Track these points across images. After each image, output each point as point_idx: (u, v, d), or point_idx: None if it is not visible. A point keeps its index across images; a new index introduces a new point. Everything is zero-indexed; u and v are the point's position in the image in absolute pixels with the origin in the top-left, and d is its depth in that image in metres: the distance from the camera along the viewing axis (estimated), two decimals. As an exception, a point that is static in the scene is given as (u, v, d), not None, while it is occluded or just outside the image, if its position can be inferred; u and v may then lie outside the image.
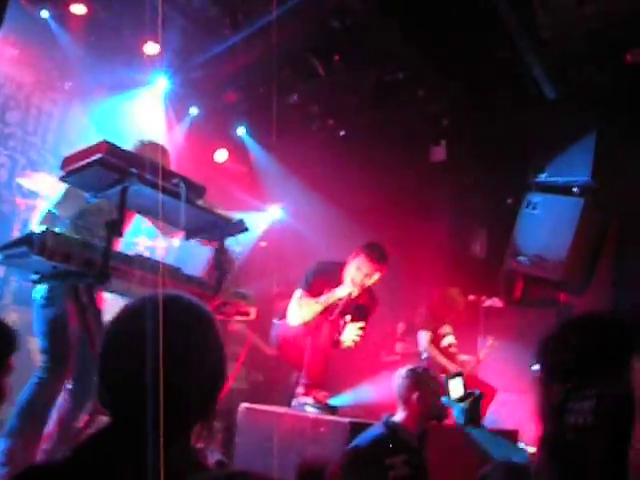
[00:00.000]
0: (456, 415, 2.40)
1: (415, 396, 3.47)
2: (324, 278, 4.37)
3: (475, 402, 2.42)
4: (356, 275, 4.24)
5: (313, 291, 4.31)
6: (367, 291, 4.43)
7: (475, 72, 6.47)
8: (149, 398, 1.16)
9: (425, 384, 3.54)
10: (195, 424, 1.34)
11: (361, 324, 4.34)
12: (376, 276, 4.33)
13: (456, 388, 2.55)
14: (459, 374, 2.58)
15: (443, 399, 2.57)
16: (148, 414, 1.15)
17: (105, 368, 1.32)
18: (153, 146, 3.95)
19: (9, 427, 3.64)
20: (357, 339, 4.27)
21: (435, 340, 6.20)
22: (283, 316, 4.51)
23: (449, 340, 6.22)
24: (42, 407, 3.68)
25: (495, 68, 6.36)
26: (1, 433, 3.66)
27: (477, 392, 2.45)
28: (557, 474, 1.20)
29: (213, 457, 3.64)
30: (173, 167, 3.84)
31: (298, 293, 4.34)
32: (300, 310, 4.25)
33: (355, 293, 4.23)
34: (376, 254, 4.32)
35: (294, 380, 4.55)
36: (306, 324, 4.22)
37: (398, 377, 3.67)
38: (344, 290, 4.22)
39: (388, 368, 6.21)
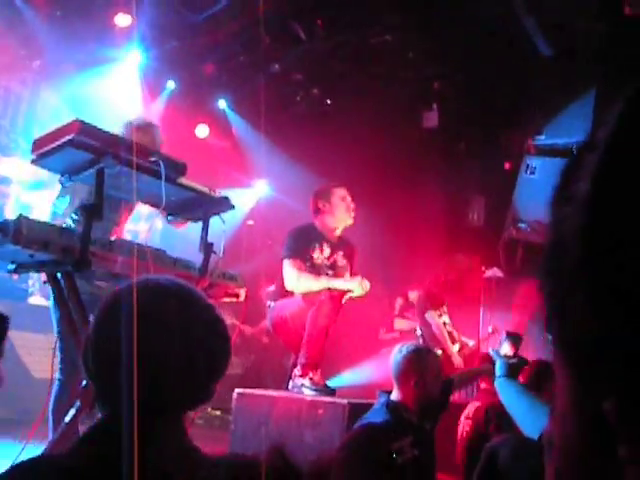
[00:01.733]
0: (497, 367, 2.40)
1: (413, 382, 3.27)
2: (306, 239, 4.36)
3: (519, 364, 2.44)
4: (342, 205, 4.38)
5: (302, 255, 4.27)
6: (346, 242, 4.56)
7: (467, 31, 6.19)
8: (132, 386, 1.16)
9: (425, 367, 3.31)
10: (187, 409, 1.35)
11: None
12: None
13: (508, 347, 2.52)
14: (520, 336, 2.54)
15: (492, 352, 2.50)
16: (133, 402, 1.15)
17: (92, 359, 1.31)
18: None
19: None
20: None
21: None
22: (276, 298, 4.39)
23: (444, 319, 6.12)
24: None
25: (488, 26, 6.07)
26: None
27: (525, 359, 2.45)
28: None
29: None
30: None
31: (289, 262, 4.23)
32: (297, 282, 4.17)
33: (359, 288, 4.11)
34: (334, 182, 4.56)
35: (290, 363, 4.40)
36: (305, 299, 4.08)
37: (397, 353, 3.41)
38: (348, 285, 4.12)
39: (387, 346, 6.09)
